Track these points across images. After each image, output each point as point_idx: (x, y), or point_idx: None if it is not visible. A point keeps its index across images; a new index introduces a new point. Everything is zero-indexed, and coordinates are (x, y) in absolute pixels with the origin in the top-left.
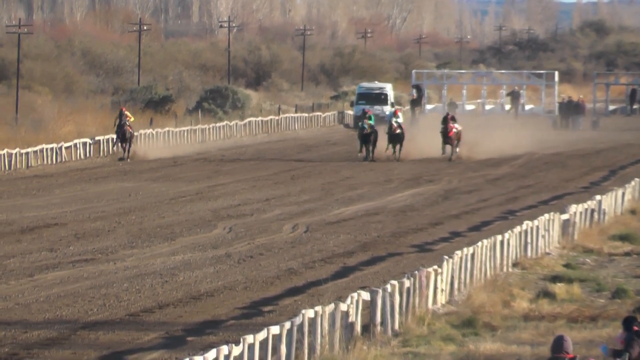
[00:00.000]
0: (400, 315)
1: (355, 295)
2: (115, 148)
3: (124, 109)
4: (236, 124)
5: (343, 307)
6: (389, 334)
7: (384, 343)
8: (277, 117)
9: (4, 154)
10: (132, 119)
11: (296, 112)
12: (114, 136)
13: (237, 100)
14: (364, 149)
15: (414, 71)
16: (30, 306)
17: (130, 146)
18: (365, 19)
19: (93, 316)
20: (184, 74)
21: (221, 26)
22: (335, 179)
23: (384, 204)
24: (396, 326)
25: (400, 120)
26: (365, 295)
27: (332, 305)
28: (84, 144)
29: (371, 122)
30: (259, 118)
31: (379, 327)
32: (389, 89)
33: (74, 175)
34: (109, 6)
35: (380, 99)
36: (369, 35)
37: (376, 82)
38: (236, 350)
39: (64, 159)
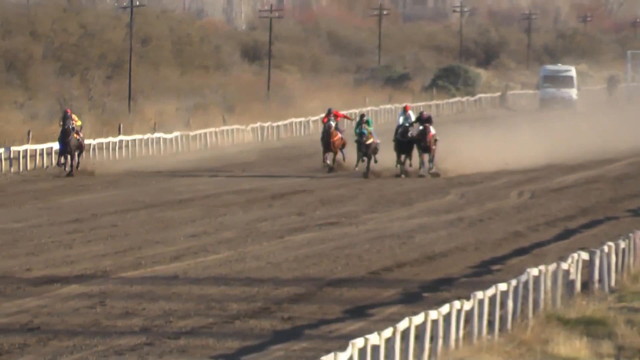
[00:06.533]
0: (616, 273)
1: (575, 255)
2: (59, 162)
3: (68, 111)
4: (467, 99)
5: (564, 266)
6: (606, 290)
7: (601, 299)
8: (510, 92)
9: (257, 127)
10: (79, 122)
11: (522, 89)
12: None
13: (468, 78)
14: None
15: (629, 52)
16: (281, 265)
17: (78, 158)
18: (585, 4)
19: (337, 274)
20: (420, 54)
21: (454, 11)
22: (560, 149)
23: (603, 173)
24: (612, 283)
25: (411, 118)
26: (585, 256)
27: (554, 265)
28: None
29: (370, 127)
30: (488, 94)
31: (596, 285)
32: (574, 71)
33: (320, 146)
34: None
35: (566, 81)
36: (588, 19)
37: (559, 64)
38: (467, 305)
39: (311, 132)
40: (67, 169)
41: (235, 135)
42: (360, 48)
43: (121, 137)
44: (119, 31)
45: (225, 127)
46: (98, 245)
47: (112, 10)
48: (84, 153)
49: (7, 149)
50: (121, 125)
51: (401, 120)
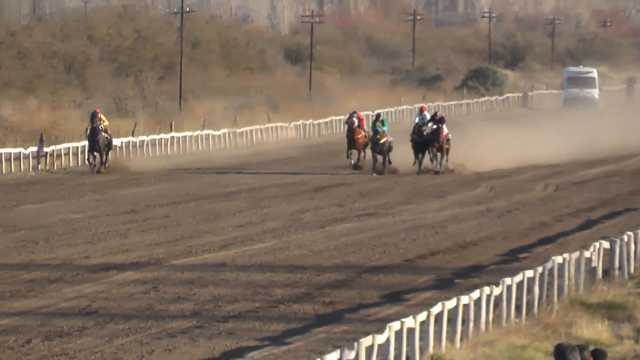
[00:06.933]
0: (635, 261)
1: (597, 244)
2: (89, 159)
3: (97, 111)
4: (496, 99)
5: (587, 254)
6: (625, 276)
7: (621, 285)
8: (530, 93)
9: (299, 125)
10: (107, 122)
11: (546, 89)
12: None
13: (496, 79)
14: (375, 161)
15: None
16: (322, 253)
17: (107, 155)
18: (604, 11)
19: (375, 262)
20: (451, 57)
21: (483, 16)
22: (581, 144)
23: (622, 167)
24: (632, 270)
25: (427, 119)
26: (606, 244)
27: (577, 253)
28: (366, 116)
29: (384, 127)
30: (515, 94)
31: (617, 271)
32: (595, 73)
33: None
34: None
35: (588, 82)
36: (608, 24)
37: (582, 66)
38: (496, 291)
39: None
40: (96, 167)
41: (279, 132)
42: (395, 51)
43: (173, 134)
44: (171, 35)
45: (269, 125)
46: (151, 234)
47: (164, 15)
48: (111, 150)
49: (40, 147)
50: (173, 123)
51: (417, 120)
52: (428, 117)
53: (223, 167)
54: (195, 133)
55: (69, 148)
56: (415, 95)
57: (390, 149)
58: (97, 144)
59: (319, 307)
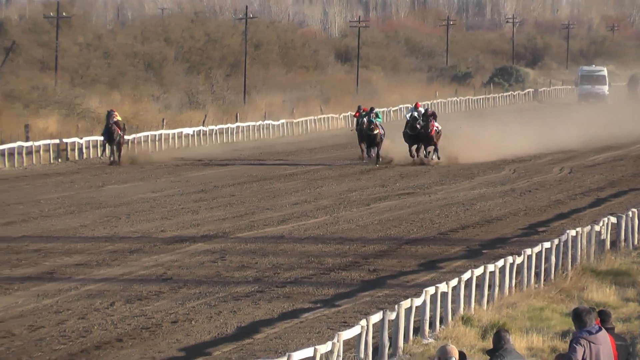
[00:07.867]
0: (639, 233)
1: (605, 219)
2: (104, 152)
3: (113, 110)
4: (518, 93)
5: (597, 228)
6: (630, 247)
7: (626, 254)
8: (548, 89)
9: (348, 115)
10: (119, 117)
11: (562, 85)
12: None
13: (519, 76)
14: (369, 151)
15: None
16: (367, 227)
17: (119, 150)
18: (612, 17)
19: (413, 234)
20: (480, 57)
21: (507, 21)
22: (590, 133)
23: (627, 152)
24: (636, 242)
25: (421, 113)
26: (613, 219)
27: (588, 227)
28: (406, 107)
29: (379, 119)
30: (535, 89)
31: (623, 243)
32: (606, 71)
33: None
34: (425, 7)
35: (600, 79)
36: (615, 28)
37: (593, 65)
38: (518, 260)
39: (391, 119)
40: (111, 158)
41: (330, 122)
42: (431, 52)
43: (238, 124)
44: (236, 38)
45: (322, 116)
46: (219, 211)
47: (230, 20)
48: (122, 145)
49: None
50: (238, 114)
51: (409, 115)
52: (423, 112)
53: (282, 152)
54: (258, 123)
55: (147, 136)
56: (448, 90)
57: (381, 140)
58: (112, 137)
59: (365, 274)
